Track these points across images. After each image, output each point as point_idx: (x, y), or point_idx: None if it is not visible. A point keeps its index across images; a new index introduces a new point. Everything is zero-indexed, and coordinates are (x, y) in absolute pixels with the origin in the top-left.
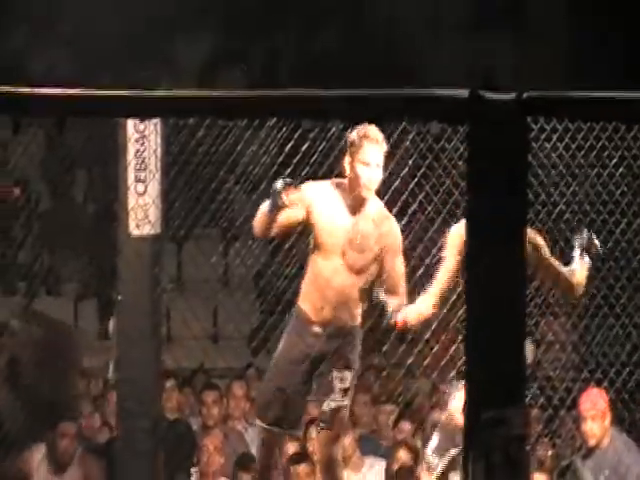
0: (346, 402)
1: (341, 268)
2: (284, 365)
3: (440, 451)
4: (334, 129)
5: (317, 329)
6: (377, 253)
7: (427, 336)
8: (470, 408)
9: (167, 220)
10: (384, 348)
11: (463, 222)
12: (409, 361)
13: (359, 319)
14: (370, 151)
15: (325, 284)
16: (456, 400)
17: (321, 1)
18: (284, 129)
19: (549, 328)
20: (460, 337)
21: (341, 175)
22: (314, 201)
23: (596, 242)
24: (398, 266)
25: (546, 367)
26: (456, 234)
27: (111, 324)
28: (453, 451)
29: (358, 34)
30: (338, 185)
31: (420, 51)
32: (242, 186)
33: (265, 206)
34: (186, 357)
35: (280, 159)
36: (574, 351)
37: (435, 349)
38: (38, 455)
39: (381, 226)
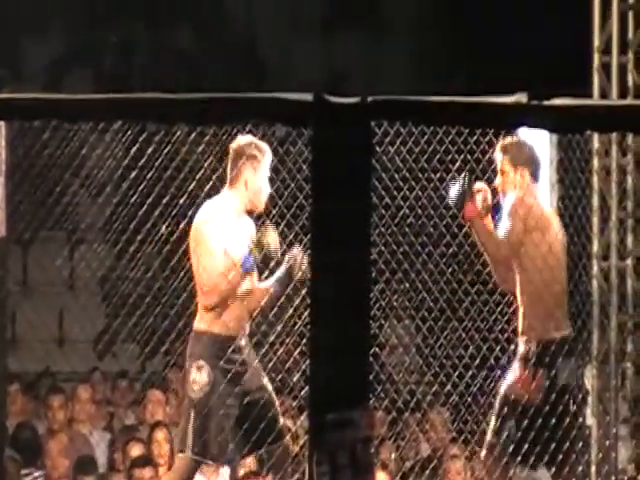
0: None
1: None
2: (218, 396)
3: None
4: (179, 132)
5: (242, 342)
6: None
7: (272, 339)
8: (314, 410)
9: (12, 223)
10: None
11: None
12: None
13: None
14: (267, 165)
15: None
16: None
17: (173, 2)
18: (129, 132)
19: (393, 331)
20: (304, 340)
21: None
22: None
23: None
24: None
25: (390, 370)
26: (525, 204)
27: None
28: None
29: (210, 36)
30: (231, 196)
31: (273, 53)
32: (87, 189)
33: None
34: (31, 360)
35: (125, 162)
36: (417, 354)
37: (280, 352)
38: None
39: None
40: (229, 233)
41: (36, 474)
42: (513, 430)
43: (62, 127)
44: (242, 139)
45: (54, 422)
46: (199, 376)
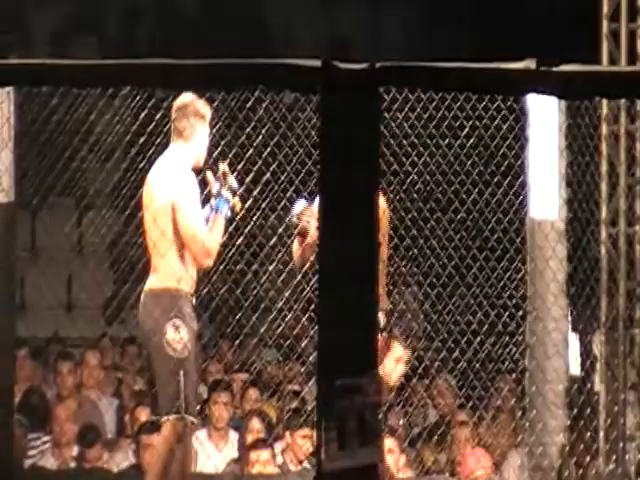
0: None
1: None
2: (193, 353)
3: None
4: None
5: (194, 301)
6: None
7: (280, 305)
8: (323, 376)
9: (20, 188)
10: (237, 316)
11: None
12: (262, 330)
13: None
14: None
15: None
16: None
17: None
18: (138, 98)
19: (401, 297)
20: (312, 307)
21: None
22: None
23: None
24: None
25: (398, 336)
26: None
27: None
28: None
29: (216, 3)
30: (184, 152)
31: (278, 20)
32: (96, 155)
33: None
34: (40, 326)
35: (134, 128)
36: (425, 320)
37: (288, 318)
38: None
39: None
40: (194, 190)
41: (44, 439)
42: None
43: (70, 93)
44: (187, 96)
45: (63, 388)
46: (178, 335)
